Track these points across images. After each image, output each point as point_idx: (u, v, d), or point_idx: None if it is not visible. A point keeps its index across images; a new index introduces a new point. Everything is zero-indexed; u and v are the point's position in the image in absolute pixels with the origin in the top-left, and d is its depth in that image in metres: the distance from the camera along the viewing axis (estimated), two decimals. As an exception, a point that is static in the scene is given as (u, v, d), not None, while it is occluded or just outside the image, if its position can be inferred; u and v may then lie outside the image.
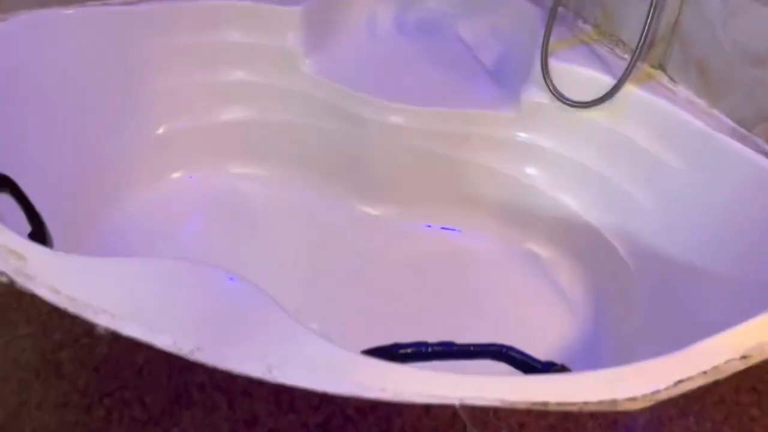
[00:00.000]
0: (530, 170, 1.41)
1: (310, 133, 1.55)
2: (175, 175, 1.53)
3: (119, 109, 1.43)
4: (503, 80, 1.47)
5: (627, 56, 1.33)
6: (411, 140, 1.44)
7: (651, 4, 1.19)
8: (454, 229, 1.50)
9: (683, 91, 1.22)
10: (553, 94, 1.32)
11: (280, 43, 1.49)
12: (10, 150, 1.25)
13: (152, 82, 1.46)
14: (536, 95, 1.35)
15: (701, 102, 1.19)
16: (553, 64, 1.32)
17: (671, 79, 1.25)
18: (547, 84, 1.32)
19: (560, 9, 1.50)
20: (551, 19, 1.31)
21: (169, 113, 1.49)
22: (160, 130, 1.49)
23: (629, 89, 1.24)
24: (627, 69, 1.22)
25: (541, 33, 1.33)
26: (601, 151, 1.32)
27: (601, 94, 1.26)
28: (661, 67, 1.27)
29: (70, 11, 1.38)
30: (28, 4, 1.39)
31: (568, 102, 1.30)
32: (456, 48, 1.60)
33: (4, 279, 0.69)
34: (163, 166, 1.51)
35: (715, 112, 1.16)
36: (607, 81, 1.26)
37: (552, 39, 1.35)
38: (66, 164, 1.36)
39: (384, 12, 1.64)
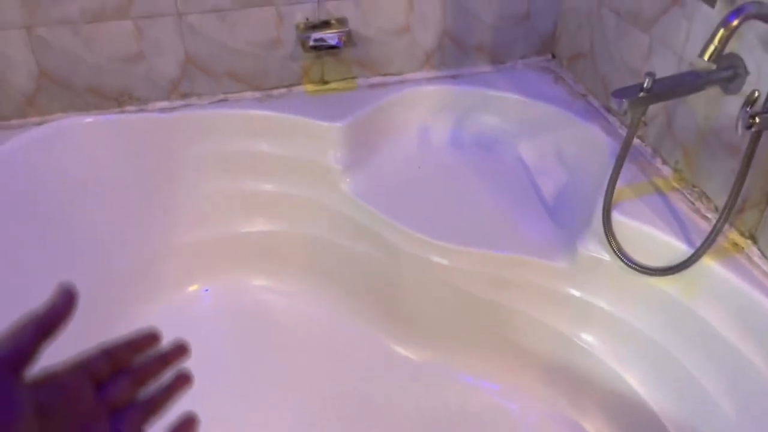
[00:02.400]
0: (584, 332, 1.20)
1: (342, 254, 1.41)
2: (192, 288, 1.44)
3: (140, 218, 1.36)
4: (562, 219, 1.28)
5: (710, 215, 1.11)
6: (453, 280, 1.27)
7: (743, 160, 0.98)
8: (491, 385, 1.31)
9: (778, 274, 0.99)
10: (616, 254, 1.12)
11: (318, 159, 1.38)
12: (24, 257, 1.20)
13: (177, 190, 1.39)
14: (595, 249, 1.15)
15: (800, 294, 0.95)
16: (618, 217, 1.12)
17: (764, 255, 1.02)
18: (608, 240, 1.12)
19: (637, 141, 1.31)
20: (620, 163, 1.11)
21: (190, 223, 1.41)
22: (180, 240, 1.41)
23: (709, 262, 1.02)
24: (708, 237, 1.00)
25: (611, 168, 1.13)
26: (670, 327, 1.09)
27: (673, 263, 1.05)
28: (752, 238, 1.04)
29: (102, 118, 1.34)
30: (63, 107, 1.36)
31: (632, 266, 1.10)
32: (514, 170, 1.42)
33: None
34: (180, 278, 1.42)
35: (818, 311, 0.92)
36: (683, 248, 1.05)
37: (621, 182, 1.15)
38: (81, 272, 1.30)
39: (437, 125, 1.49)
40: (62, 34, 1.28)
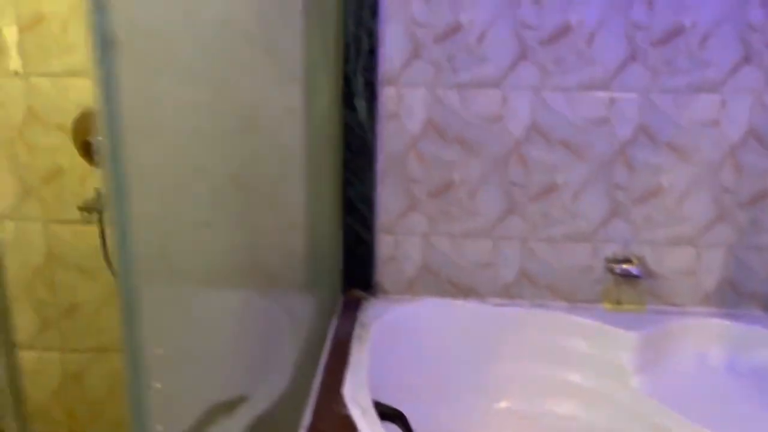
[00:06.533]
0: None
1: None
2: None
3: (465, 384, 1.80)
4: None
5: None
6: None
7: None
8: None
9: None
10: None
11: (614, 359, 1.74)
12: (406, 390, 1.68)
13: (496, 368, 1.82)
14: None
15: None
16: None
17: None
18: None
19: None
20: None
21: (503, 395, 1.81)
22: (498, 406, 1.80)
23: None
24: None
25: None
26: None
27: None
28: None
29: (459, 302, 1.88)
30: (428, 291, 1.93)
31: None
32: (790, 401, 1.64)
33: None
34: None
35: None
36: None
37: None
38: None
39: (717, 350, 1.80)
40: (443, 242, 1.89)
